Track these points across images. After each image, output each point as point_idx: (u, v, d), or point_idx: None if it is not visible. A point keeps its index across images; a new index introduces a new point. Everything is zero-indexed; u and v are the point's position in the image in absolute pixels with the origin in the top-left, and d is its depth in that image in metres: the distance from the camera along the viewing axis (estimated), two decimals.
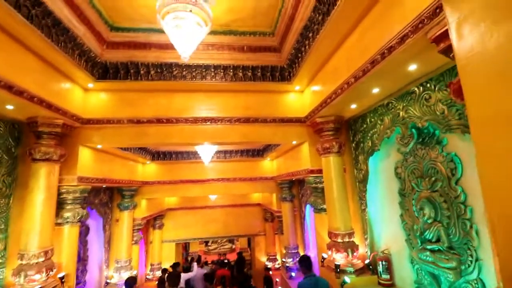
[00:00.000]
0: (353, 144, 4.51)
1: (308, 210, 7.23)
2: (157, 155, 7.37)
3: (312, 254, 6.95)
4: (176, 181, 7.70)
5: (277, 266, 10.12)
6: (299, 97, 4.95)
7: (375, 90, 3.31)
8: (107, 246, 6.81)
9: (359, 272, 3.93)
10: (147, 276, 9.62)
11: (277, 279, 8.91)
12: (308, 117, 4.65)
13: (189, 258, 13.47)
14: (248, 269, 12.31)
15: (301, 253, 7.48)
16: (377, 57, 2.63)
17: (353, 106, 3.90)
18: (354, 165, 4.47)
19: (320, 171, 4.74)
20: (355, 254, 3.99)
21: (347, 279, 3.66)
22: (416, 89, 3.10)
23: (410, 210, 3.37)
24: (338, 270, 3.82)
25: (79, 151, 4.41)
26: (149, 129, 4.58)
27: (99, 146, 4.70)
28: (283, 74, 4.62)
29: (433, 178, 2.99)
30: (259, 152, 7.75)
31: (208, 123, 4.66)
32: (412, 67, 2.70)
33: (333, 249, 4.04)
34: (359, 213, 4.32)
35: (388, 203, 3.80)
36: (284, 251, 7.64)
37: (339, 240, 4.05)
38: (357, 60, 2.99)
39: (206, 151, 5.95)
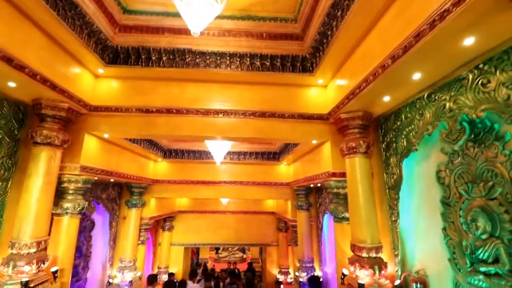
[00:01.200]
0: (383, 145, 3.95)
1: (326, 220, 6.62)
2: (169, 153, 7.12)
3: (329, 270, 6.28)
4: (187, 181, 7.38)
5: (289, 280, 9.43)
6: (322, 92, 4.49)
7: (416, 76, 2.78)
8: (112, 243, 6.55)
9: None
10: None
11: None
12: (332, 113, 4.16)
13: (198, 266, 13.04)
14: (259, 281, 11.64)
15: (317, 268, 6.82)
16: (424, 28, 2.14)
17: (386, 98, 3.37)
18: (384, 169, 3.89)
19: (343, 174, 4.20)
20: (383, 272, 3.37)
21: None
22: (468, 74, 2.55)
23: (456, 223, 2.75)
24: None
25: (84, 139, 4.19)
26: (158, 120, 4.29)
27: (106, 136, 4.47)
28: (304, 64, 4.19)
29: (490, 183, 2.39)
30: (275, 155, 7.29)
31: (220, 115, 4.30)
32: (468, 41, 2.18)
33: (357, 264, 3.45)
34: (388, 224, 3.71)
35: (427, 214, 3.18)
36: (297, 264, 7.00)
37: (364, 254, 3.45)
38: (396, 37, 2.51)
39: (218, 148, 5.59)
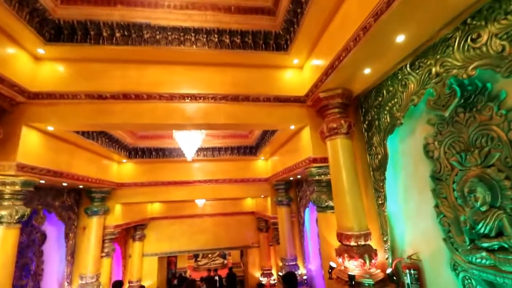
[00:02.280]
0: (364, 125, 3.70)
1: (308, 215, 6.32)
2: (135, 152, 6.44)
3: (314, 266, 5.96)
4: (157, 182, 6.73)
5: (272, 282, 9.01)
6: (298, 74, 4.18)
7: (400, 38, 2.53)
8: (70, 258, 5.72)
9: (381, 285, 3.00)
10: None
11: None
12: (309, 94, 3.86)
13: (174, 277, 12.20)
14: (241, 286, 11.10)
15: (300, 265, 6.48)
16: None
17: (367, 71, 3.11)
18: (367, 150, 3.62)
19: (324, 159, 3.90)
20: (373, 261, 3.07)
21: None
22: (455, 32, 2.34)
23: (450, 198, 2.52)
24: (353, 282, 2.89)
25: (22, 132, 3.49)
26: (114, 107, 3.70)
27: (50, 129, 3.79)
28: (278, 42, 3.86)
29: (486, 149, 2.17)
30: (251, 150, 6.89)
31: (187, 100, 3.82)
32: None
33: (345, 255, 3.12)
34: (375, 209, 3.44)
35: (415, 193, 2.94)
36: (280, 264, 6.61)
37: (352, 243, 3.13)
38: None
39: (188, 141, 5.07)
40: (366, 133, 3.66)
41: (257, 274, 9.61)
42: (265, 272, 9.24)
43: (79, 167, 4.85)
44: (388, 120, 3.21)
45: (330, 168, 3.59)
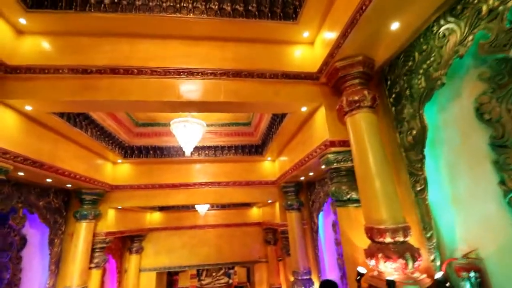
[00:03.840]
0: (391, 100, 3.11)
1: (322, 220, 5.58)
2: (131, 151, 5.92)
3: (332, 278, 5.13)
4: (154, 185, 6.14)
5: None
6: (309, 50, 3.69)
7: None
8: (54, 268, 5.06)
9: None
10: None
11: None
12: (323, 68, 3.34)
13: None
14: None
15: (315, 280, 5.64)
16: None
17: (395, 26, 2.58)
18: (396, 128, 3.01)
19: (343, 143, 3.29)
20: (417, 263, 2.36)
21: None
22: None
23: None
24: None
25: None
26: (99, 82, 3.24)
27: (28, 108, 3.32)
28: (286, 10, 3.41)
29: None
30: (257, 149, 6.29)
31: (183, 76, 3.34)
32: None
33: (379, 255, 2.42)
34: (411, 198, 2.76)
35: (466, 171, 2.30)
36: (292, 279, 5.79)
37: (388, 239, 2.45)
38: None
39: (187, 133, 4.55)
40: (393, 108, 3.07)
41: None
42: None
43: (65, 161, 4.34)
44: (424, 85, 2.62)
45: (352, 149, 2.97)
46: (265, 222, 8.47)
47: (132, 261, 8.23)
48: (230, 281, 14.91)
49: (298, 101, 3.51)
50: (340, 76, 3.11)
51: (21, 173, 3.85)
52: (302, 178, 5.50)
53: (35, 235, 4.75)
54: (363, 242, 3.02)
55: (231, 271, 15.48)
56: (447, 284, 2.26)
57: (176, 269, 9.48)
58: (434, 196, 2.60)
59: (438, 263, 2.50)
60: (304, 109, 3.65)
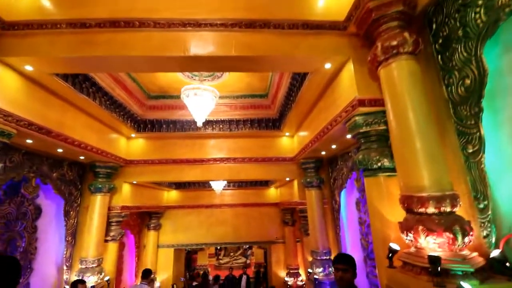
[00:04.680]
0: (437, 46, 2.53)
1: (344, 198, 5.15)
2: (144, 125, 5.73)
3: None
4: (169, 160, 5.97)
5: (299, 283, 7.85)
6: None
7: None
8: (71, 239, 5.10)
9: (483, 275, 1.83)
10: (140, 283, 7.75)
11: None
12: (352, 15, 2.80)
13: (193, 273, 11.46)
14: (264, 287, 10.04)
15: None
16: None
17: None
18: (442, 80, 2.46)
19: (375, 102, 2.81)
20: (467, 238, 1.91)
21: (466, 285, 1.59)
22: None
23: None
24: (439, 268, 1.76)
25: None
26: (99, 37, 2.95)
27: (28, 68, 3.12)
28: None
29: None
30: (274, 123, 5.87)
31: (189, 28, 2.95)
32: None
33: (419, 228, 1.99)
34: (460, 162, 2.26)
35: None
36: (310, 259, 5.48)
37: (431, 209, 2.00)
38: None
39: (199, 103, 4.24)
40: (439, 57, 2.51)
41: (282, 273, 8.50)
42: (291, 271, 8.12)
43: (75, 131, 4.20)
44: (485, 19, 2.05)
45: (387, 106, 2.48)
46: (283, 202, 8.17)
47: (151, 237, 8.34)
48: (248, 261, 15.04)
49: (321, 55, 3.02)
50: (374, 19, 2.57)
51: (29, 141, 3.74)
52: (323, 153, 5.05)
53: (51, 206, 4.75)
54: (395, 215, 2.60)
55: (249, 252, 15.61)
56: (507, 264, 1.80)
57: (193, 246, 9.56)
58: (490, 160, 2.09)
59: (493, 239, 2.03)
60: (328, 66, 3.16)
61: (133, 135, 5.88)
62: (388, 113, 2.46)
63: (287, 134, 6.06)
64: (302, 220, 6.22)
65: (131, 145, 6.03)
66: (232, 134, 5.99)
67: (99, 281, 4.93)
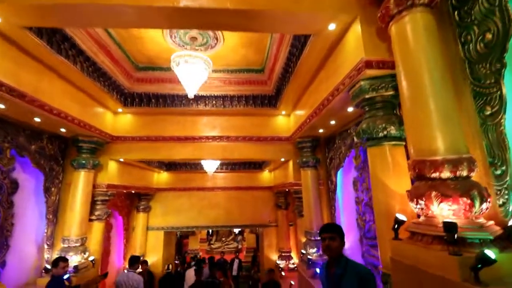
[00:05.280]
0: (453, 1, 2.29)
1: (340, 178, 4.99)
2: (131, 99, 5.37)
3: (347, 242, 4.68)
4: (158, 137, 5.66)
5: (291, 266, 7.80)
6: None
7: None
8: (52, 217, 4.82)
9: (501, 244, 1.66)
10: (125, 271, 7.56)
11: (292, 282, 6.61)
12: None
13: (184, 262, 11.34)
14: (255, 271, 10.01)
15: None
16: None
17: None
18: (458, 38, 2.23)
19: (383, 64, 2.58)
20: (485, 204, 1.72)
21: (490, 253, 1.40)
22: None
23: None
24: (455, 236, 1.57)
25: None
26: None
27: None
28: None
29: None
30: (270, 100, 5.59)
31: None
32: None
33: (432, 194, 1.79)
34: (475, 125, 2.06)
35: None
36: (304, 240, 5.36)
37: (446, 174, 1.81)
38: None
39: (190, 73, 3.92)
40: (456, 12, 2.27)
41: (274, 257, 8.43)
42: (283, 254, 8.06)
43: (53, 98, 3.85)
44: None
45: (398, 65, 2.23)
46: (277, 185, 8.01)
47: (140, 220, 8.10)
48: (239, 246, 15.05)
49: (325, 13, 2.73)
50: None
51: (1, 106, 3.38)
52: (321, 130, 4.83)
53: (29, 180, 4.43)
54: (400, 186, 2.43)
55: (239, 238, 15.61)
56: None
57: (184, 229, 9.39)
58: (510, 122, 1.90)
59: (510, 208, 1.86)
60: (332, 27, 2.88)
61: (120, 109, 5.53)
62: (399, 73, 2.22)
63: (283, 112, 5.81)
64: (296, 201, 6.06)
65: (118, 120, 5.69)
66: (225, 111, 5.70)
67: (82, 260, 4.70)
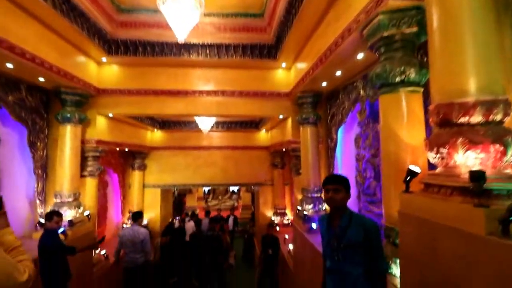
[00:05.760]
0: None
1: (341, 136, 4.79)
2: (116, 46, 4.80)
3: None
4: (148, 91, 5.27)
5: (286, 221, 8.04)
6: None
7: None
8: (41, 172, 4.63)
9: None
10: (124, 225, 7.74)
11: (286, 236, 6.83)
12: None
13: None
14: (251, 225, 10.40)
15: None
16: None
17: None
18: None
19: None
20: None
21: None
22: None
23: None
24: (482, 186, 1.38)
25: None
26: None
27: None
28: None
29: None
30: (270, 50, 5.10)
31: None
32: None
33: (458, 141, 1.56)
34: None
35: None
36: (300, 197, 5.35)
37: (477, 118, 1.56)
38: None
39: (179, 15, 3.41)
40: None
41: (269, 214, 8.65)
42: (278, 211, 8.25)
43: (26, 41, 3.38)
44: None
45: None
46: (274, 145, 7.86)
47: (136, 177, 8.05)
48: (236, 204, 15.52)
49: None
50: None
51: None
52: (324, 84, 4.47)
53: (11, 134, 4.15)
54: (413, 137, 2.21)
55: (234, 196, 16.03)
56: None
57: (180, 186, 9.47)
58: None
59: None
60: None
61: (104, 59, 5.02)
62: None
63: (283, 65, 5.37)
64: (293, 159, 5.94)
65: (103, 71, 5.22)
66: (220, 63, 5.23)
67: (77, 215, 4.64)
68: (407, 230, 1.91)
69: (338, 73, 3.91)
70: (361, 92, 3.83)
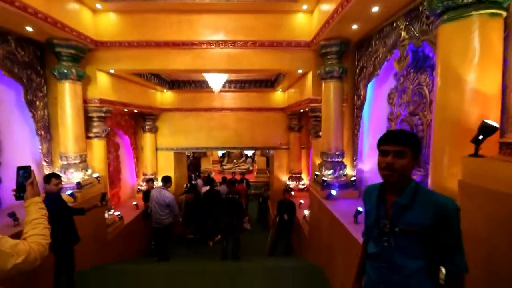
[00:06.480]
0: None
1: (371, 91, 4.12)
2: None
3: (367, 166, 4.19)
4: (150, 42, 4.69)
5: (301, 186, 7.75)
6: None
7: None
8: (44, 133, 4.41)
9: None
10: (139, 187, 7.79)
11: (302, 201, 6.58)
12: None
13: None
14: (265, 189, 10.29)
15: (348, 165, 4.72)
16: None
17: None
18: None
19: None
20: None
21: None
22: None
23: None
24: None
25: None
26: None
27: None
28: None
29: None
30: None
31: None
32: None
33: None
34: None
35: None
36: (319, 161, 4.89)
37: None
38: None
39: None
40: None
41: (284, 178, 8.36)
42: (293, 175, 7.93)
43: None
44: None
45: None
46: (291, 106, 7.23)
47: (147, 140, 7.86)
48: (250, 167, 15.46)
49: None
50: None
51: None
52: (355, 26, 3.69)
53: (6, 92, 3.84)
54: (487, 82, 1.59)
55: (248, 160, 15.90)
56: None
57: (193, 149, 9.27)
58: None
59: None
60: None
61: (98, 5, 4.42)
62: None
63: (304, 7, 4.52)
64: (312, 121, 5.38)
65: (100, 21, 4.64)
66: (230, 6, 4.48)
67: (85, 177, 4.50)
68: (472, 206, 1.42)
69: (375, 9, 3.12)
70: (403, 33, 3.07)
